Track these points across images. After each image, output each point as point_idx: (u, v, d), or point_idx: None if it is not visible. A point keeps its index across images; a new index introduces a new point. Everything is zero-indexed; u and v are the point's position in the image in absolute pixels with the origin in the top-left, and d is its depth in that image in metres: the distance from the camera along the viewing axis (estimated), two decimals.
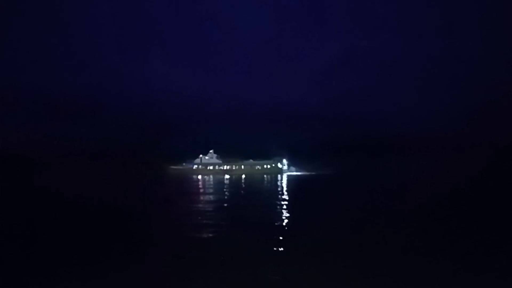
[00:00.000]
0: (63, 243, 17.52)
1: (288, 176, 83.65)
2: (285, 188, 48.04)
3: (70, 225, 22.41)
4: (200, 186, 55.05)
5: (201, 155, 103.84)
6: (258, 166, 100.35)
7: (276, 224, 21.82)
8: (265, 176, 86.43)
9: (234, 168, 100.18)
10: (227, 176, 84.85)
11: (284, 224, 21.97)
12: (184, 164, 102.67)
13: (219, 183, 61.85)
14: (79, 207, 30.14)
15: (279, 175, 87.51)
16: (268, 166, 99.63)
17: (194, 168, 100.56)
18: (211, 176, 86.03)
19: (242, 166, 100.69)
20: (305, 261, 13.98)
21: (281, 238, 18.07)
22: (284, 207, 29.53)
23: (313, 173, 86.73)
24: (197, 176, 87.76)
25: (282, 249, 15.96)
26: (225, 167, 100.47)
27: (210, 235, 19.34)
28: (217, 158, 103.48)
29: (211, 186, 54.79)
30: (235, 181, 66.85)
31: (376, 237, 17.87)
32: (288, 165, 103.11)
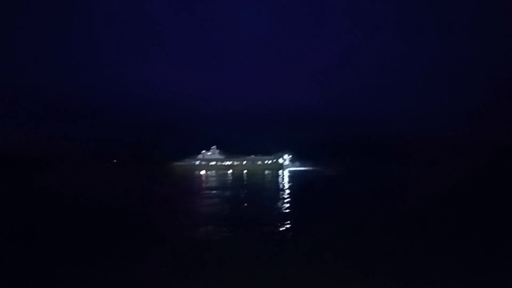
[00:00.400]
0: (63, 243, 17.52)
1: (289, 171, 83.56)
2: (286, 185, 48.00)
3: (70, 225, 22.42)
4: (201, 184, 55.01)
5: (203, 151, 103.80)
6: (259, 162, 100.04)
7: (276, 223, 21.81)
8: (266, 171, 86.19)
9: (236, 163, 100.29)
10: (229, 172, 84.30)
11: (284, 223, 21.97)
12: (187, 160, 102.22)
13: (221, 179, 61.91)
14: (79, 207, 30.15)
15: (280, 171, 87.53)
16: (269, 162, 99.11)
17: (196, 164, 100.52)
18: (213, 172, 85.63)
19: (244, 162, 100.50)
20: (305, 261, 13.98)
21: (281, 238, 18.08)
22: (285, 205, 29.53)
23: (316, 168, 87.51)
24: (200, 172, 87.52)
25: (282, 249, 15.96)
26: (227, 163, 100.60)
27: (211, 234, 19.34)
28: (219, 154, 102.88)
29: (212, 183, 54.72)
30: (236, 178, 66.86)
31: (376, 237, 17.88)
32: (290, 161, 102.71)
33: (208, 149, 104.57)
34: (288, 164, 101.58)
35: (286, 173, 75.76)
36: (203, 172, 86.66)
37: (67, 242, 17.70)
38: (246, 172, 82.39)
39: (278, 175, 70.03)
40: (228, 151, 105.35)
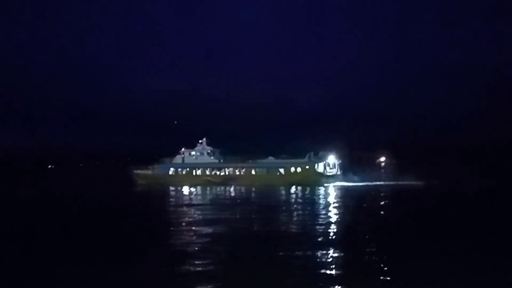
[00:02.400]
0: (63, 243, 17.50)
1: (339, 189, 44.31)
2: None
3: (70, 225, 22.39)
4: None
5: (183, 149, 56.27)
6: (281, 169, 52.76)
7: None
8: (293, 188, 45.29)
9: (238, 173, 53.96)
10: (231, 189, 46.48)
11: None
12: (155, 166, 56.70)
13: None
14: (79, 207, 30.12)
15: (320, 187, 45.65)
16: (299, 169, 51.82)
17: (170, 173, 55.49)
18: (198, 189, 47.11)
19: (253, 171, 54.06)
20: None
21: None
22: None
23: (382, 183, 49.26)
24: (178, 187, 48.71)
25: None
26: (225, 171, 54.77)
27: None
28: (211, 153, 56.07)
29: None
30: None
31: (377, 237, 17.84)
32: (338, 168, 54.31)
33: (192, 146, 56.45)
34: (334, 175, 52.48)
35: (333, 192, 40.90)
36: (184, 188, 47.67)
37: (67, 242, 17.68)
38: (255, 190, 44.64)
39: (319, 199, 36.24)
40: (231, 152, 59.67)
